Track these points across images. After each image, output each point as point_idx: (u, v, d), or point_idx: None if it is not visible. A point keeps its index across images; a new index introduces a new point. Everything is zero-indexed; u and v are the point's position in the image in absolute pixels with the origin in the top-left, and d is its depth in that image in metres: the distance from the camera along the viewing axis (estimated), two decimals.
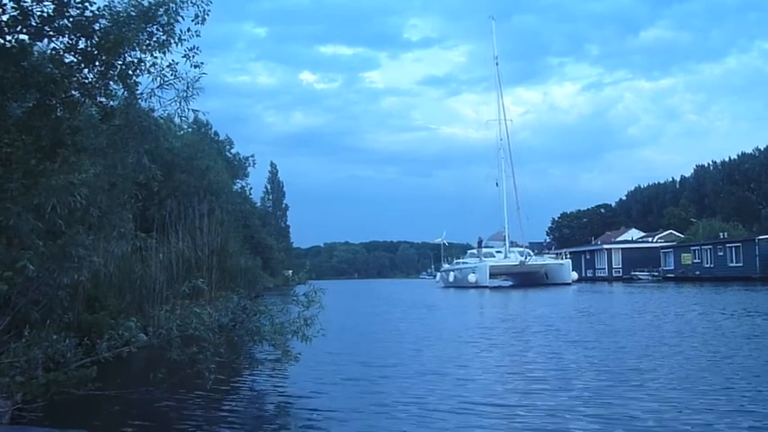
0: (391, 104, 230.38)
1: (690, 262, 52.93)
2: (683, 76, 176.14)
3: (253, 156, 54.01)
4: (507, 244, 54.83)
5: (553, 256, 58.79)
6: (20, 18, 6.40)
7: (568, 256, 55.17)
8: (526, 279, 50.01)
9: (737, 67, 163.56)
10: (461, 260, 59.09)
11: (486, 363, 9.96)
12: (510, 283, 54.01)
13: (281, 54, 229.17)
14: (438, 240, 70.09)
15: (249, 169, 53.35)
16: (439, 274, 66.31)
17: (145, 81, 7.12)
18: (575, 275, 50.58)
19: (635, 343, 11.31)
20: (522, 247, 54.39)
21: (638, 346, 10.80)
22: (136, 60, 6.91)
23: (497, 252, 54.07)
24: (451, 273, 56.79)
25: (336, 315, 17.84)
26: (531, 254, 53.36)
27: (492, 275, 49.41)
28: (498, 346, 11.75)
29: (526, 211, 55.28)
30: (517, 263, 49.48)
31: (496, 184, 55.55)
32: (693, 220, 71.37)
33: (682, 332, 12.85)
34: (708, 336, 12.09)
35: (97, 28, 6.65)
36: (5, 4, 6.39)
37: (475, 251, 57.20)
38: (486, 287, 45.32)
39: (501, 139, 55.82)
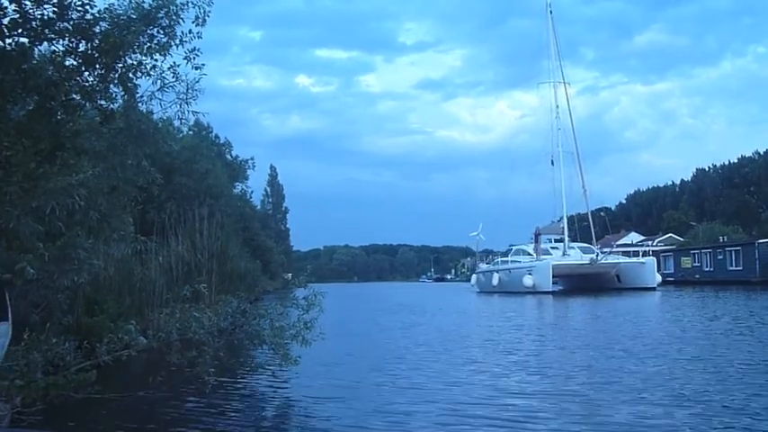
0: (388, 108, 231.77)
1: (689, 265, 52.91)
2: (678, 80, 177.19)
3: (252, 158, 53.80)
4: (567, 239, 43.83)
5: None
6: (20, 21, 6.40)
7: (651, 253, 44.41)
8: (588, 282, 39.07)
9: (733, 70, 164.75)
10: (508, 258, 46.23)
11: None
12: (560, 287, 42.09)
13: (277, 58, 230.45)
14: (473, 234, 59.34)
15: (249, 172, 53.15)
16: (474, 276, 53.92)
17: (145, 84, 7.12)
18: (658, 278, 38.79)
19: None
20: (591, 243, 44.57)
21: None
22: (136, 63, 6.90)
23: (553, 248, 43.44)
24: (495, 274, 43.92)
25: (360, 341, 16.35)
26: (598, 250, 42.99)
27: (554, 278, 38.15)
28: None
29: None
30: (586, 261, 38.59)
31: (552, 162, 45.68)
32: (693, 223, 71.43)
33: None
34: None
35: (98, 31, 6.64)
36: (6, 7, 6.38)
37: (526, 247, 46.43)
38: (548, 293, 35.02)
39: (557, 107, 45.07)
